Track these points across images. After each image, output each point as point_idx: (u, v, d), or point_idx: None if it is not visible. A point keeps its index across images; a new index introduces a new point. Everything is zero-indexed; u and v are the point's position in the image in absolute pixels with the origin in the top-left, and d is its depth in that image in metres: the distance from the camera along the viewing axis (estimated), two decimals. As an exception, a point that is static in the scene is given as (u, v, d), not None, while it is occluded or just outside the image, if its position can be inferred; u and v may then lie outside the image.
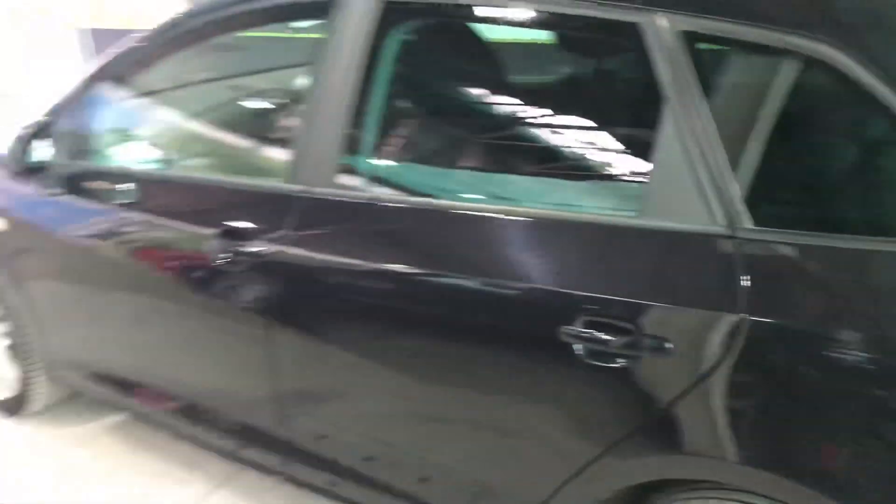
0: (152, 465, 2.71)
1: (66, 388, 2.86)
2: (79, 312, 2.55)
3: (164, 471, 2.67)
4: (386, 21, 1.84)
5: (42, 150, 2.50)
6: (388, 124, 1.94)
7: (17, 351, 2.81)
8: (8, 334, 2.84)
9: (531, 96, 2.08)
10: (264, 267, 1.95)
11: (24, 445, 2.85)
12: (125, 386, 2.55)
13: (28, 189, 2.55)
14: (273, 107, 2.39)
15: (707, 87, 1.49)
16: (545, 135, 1.92)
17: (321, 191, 1.89)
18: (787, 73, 1.41)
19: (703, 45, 1.52)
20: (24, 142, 2.48)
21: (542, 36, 2.23)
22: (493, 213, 1.72)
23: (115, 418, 2.96)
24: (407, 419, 1.92)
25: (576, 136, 1.84)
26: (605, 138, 1.79)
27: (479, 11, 1.86)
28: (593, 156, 1.79)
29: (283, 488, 2.43)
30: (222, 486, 2.58)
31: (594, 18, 1.62)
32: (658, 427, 1.52)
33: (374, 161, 1.95)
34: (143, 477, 2.65)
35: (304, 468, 2.17)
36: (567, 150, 1.86)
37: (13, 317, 2.76)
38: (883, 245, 1.34)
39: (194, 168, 2.45)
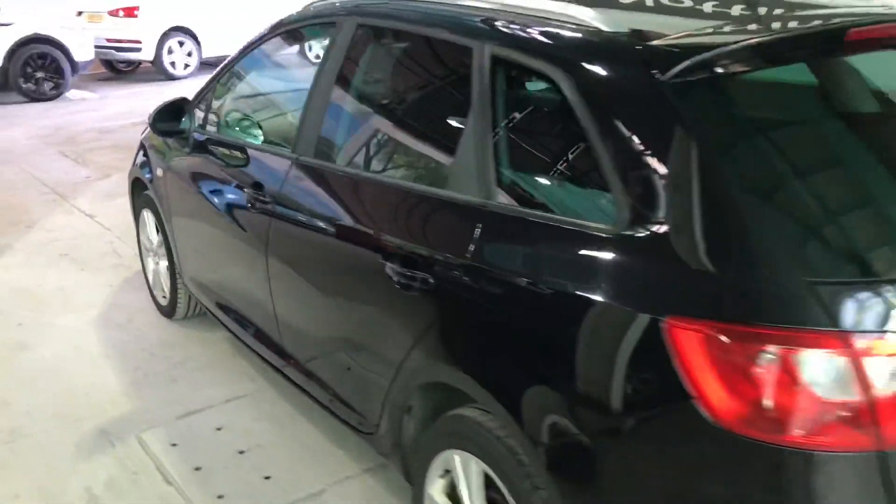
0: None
1: (197, 303, 3.86)
2: (197, 245, 3.51)
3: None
4: None
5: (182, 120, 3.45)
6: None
7: (172, 269, 3.86)
8: (167, 255, 3.90)
9: (401, 95, 2.66)
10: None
11: (174, 336, 3.92)
12: (223, 308, 3.44)
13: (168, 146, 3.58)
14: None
15: (494, 96, 2.00)
16: (404, 127, 2.50)
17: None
18: (537, 89, 1.91)
19: (500, 67, 2.02)
20: (169, 111, 3.46)
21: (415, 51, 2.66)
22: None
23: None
24: (313, 330, 2.67)
25: (418, 131, 2.42)
26: (432, 129, 2.35)
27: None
28: (424, 143, 2.37)
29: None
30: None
31: (444, 41, 2.20)
32: (431, 340, 2.07)
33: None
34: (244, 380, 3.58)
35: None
36: (409, 142, 2.45)
37: (168, 242, 3.81)
38: (560, 222, 1.80)
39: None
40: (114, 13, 11.86)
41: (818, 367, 1.38)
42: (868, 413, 1.38)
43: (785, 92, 1.84)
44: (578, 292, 1.67)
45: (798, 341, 1.39)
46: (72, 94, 11.00)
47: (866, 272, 1.49)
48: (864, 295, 1.43)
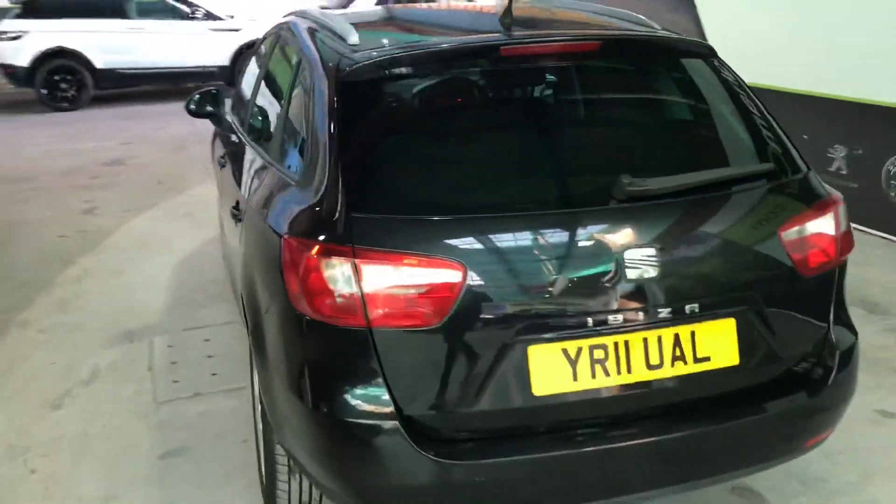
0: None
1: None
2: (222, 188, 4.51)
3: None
4: None
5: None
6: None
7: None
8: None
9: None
10: None
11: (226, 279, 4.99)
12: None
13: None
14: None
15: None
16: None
17: None
18: None
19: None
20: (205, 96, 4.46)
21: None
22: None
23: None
24: None
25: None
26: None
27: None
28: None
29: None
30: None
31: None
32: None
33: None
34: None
35: None
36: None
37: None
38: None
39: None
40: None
41: (336, 270, 2.05)
42: (360, 302, 2.02)
43: (439, 88, 2.46)
44: (267, 220, 2.42)
45: (330, 252, 2.06)
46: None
47: (388, 210, 2.12)
48: (379, 223, 2.07)
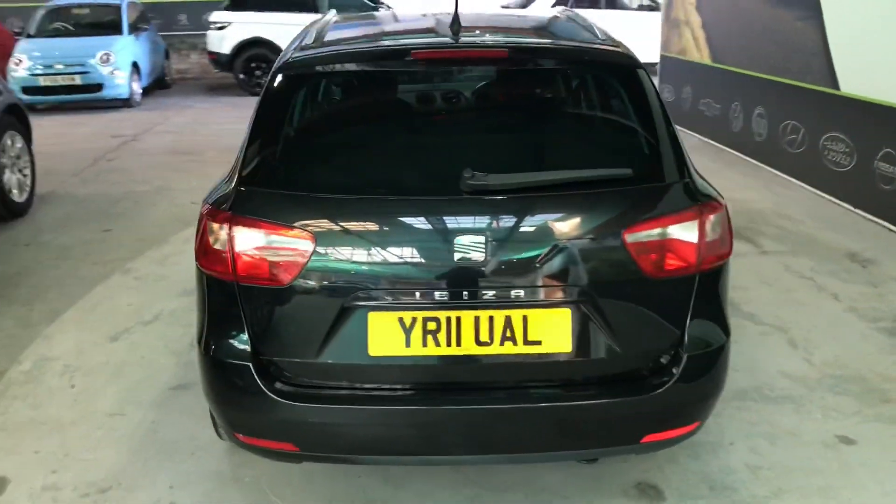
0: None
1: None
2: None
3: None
4: None
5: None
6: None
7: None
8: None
9: None
10: None
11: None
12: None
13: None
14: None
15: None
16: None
17: None
18: None
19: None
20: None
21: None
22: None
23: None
24: None
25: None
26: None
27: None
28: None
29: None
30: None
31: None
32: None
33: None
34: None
35: None
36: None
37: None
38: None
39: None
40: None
41: (217, 232, 2.46)
42: (231, 259, 2.42)
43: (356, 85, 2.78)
44: None
45: (213, 216, 2.48)
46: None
47: (267, 186, 2.49)
48: (257, 196, 2.46)
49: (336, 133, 2.77)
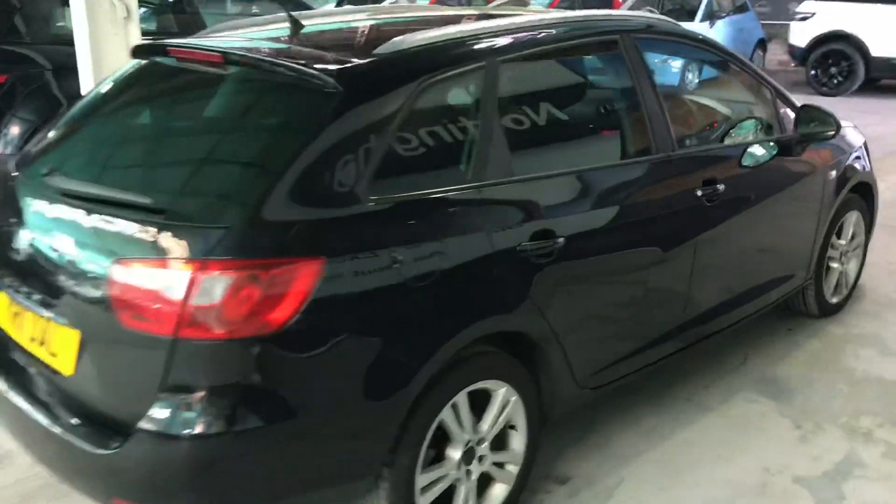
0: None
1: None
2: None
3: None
4: None
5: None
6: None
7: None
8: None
9: None
10: None
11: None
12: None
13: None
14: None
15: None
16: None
17: None
18: None
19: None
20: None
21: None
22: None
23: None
24: None
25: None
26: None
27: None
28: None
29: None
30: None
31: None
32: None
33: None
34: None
35: None
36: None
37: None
38: None
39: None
40: None
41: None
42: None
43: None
44: None
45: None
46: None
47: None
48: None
49: (90, 122, 2.78)
